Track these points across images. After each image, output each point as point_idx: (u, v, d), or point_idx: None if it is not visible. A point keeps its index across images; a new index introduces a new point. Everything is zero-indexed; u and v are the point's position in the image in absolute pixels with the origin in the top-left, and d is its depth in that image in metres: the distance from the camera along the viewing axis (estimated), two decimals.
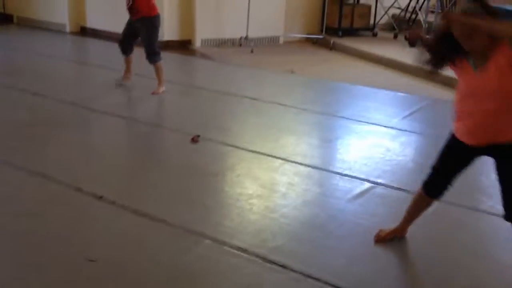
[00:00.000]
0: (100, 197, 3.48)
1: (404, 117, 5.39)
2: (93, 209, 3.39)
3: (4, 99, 5.62)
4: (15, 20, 9.60)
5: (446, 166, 2.84)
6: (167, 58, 7.75)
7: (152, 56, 5.65)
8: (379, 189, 3.82)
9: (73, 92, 5.85)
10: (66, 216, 3.29)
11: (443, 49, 2.52)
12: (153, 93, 5.71)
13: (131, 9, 5.52)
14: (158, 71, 5.72)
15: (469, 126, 2.61)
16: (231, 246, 3.02)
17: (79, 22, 9.08)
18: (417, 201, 3.03)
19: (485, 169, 4.32)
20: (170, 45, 8.20)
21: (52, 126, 4.85)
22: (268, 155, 4.30)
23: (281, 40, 8.83)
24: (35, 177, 3.76)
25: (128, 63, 5.94)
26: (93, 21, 8.93)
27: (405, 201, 3.65)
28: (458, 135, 2.70)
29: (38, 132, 4.67)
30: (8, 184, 3.69)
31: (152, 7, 5.57)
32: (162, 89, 5.75)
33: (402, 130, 5.03)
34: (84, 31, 9.03)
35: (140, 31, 5.63)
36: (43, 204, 3.43)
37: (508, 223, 2.70)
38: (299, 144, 4.65)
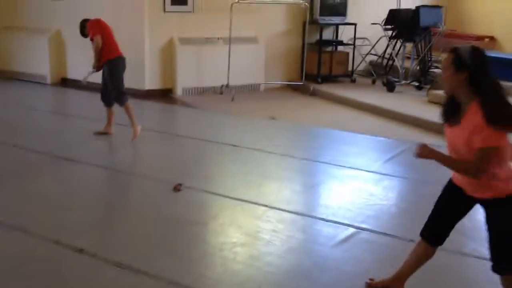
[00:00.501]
0: (81, 250, 3.40)
1: (386, 161, 5.43)
2: (74, 263, 3.31)
3: None
4: None
5: (444, 211, 2.82)
6: (148, 107, 7.81)
7: (120, 97, 5.72)
8: (364, 234, 3.80)
9: (52, 143, 5.81)
10: (45, 271, 3.20)
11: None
12: (134, 139, 5.71)
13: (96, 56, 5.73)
14: (128, 112, 5.77)
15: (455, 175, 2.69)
16: None
17: (60, 73, 9.11)
18: (417, 251, 2.93)
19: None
20: (151, 94, 8.25)
21: (30, 177, 4.78)
22: (251, 202, 4.28)
23: (262, 88, 8.93)
24: (13, 231, 3.67)
25: (109, 114, 5.95)
26: (74, 72, 8.96)
27: (390, 246, 3.66)
28: (454, 180, 2.72)
29: (16, 184, 4.59)
30: None
31: (113, 50, 5.71)
32: (139, 127, 5.77)
33: (384, 174, 5.06)
34: (65, 82, 9.05)
35: (105, 75, 5.76)
36: (21, 259, 3.33)
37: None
38: (282, 190, 4.64)
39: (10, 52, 9.30)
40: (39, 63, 9.02)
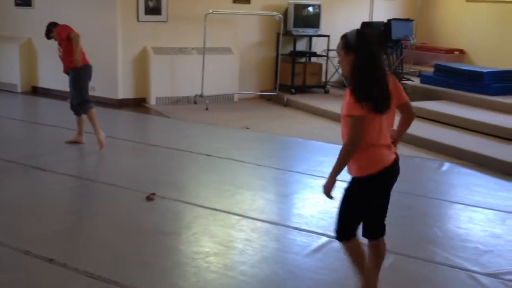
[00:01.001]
0: (51, 260, 3.33)
1: None
2: (43, 273, 3.24)
3: None
4: None
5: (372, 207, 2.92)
6: (121, 116, 7.74)
7: (84, 105, 5.69)
8: (337, 243, 3.78)
9: (21, 151, 5.71)
10: (14, 282, 3.13)
11: None
12: (101, 147, 5.66)
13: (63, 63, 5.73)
14: (92, 120, 5.70)
15: None
16: None
17: (31, 82, 8.97)
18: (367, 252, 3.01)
19: (437, 221, 4.41)
20: (124, 104, 8.18)
21: (0, 188, 4.68)
22: (225, 212, 4.26)
23: (236, 98, 8.94)
24: None
25: (80, 123, 5.87)
26: (45, 81, 8.85)
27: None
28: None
29: None
30: None
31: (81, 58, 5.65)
32: (103, 135, 5.71)
33: None
34: (35, 91, 8.92)
35: (70, 82, 5.72)
36: None
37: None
38: (256, 200, 4.63)
39: None
40: (9, 71, 8.87)
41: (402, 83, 8.66)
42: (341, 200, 2.87)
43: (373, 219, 2.93)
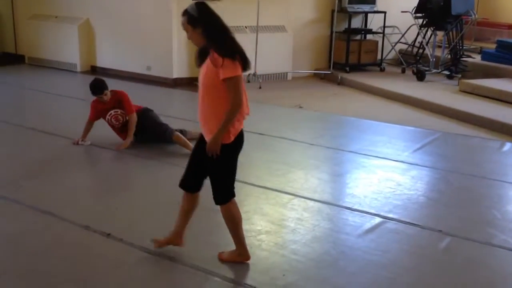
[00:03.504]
0: (108, 235, 3.45)
1: (414, 151, 5.35)
2: (101, 247, 3.36)
3: (13, 137, 5.67)
4: (26, 60, 9.76)
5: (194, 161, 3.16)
6: (176, 95, 7.84)
7: (164, 134, 5.22)
8: (391, 224, 3.76)
9: (80, 129, 5.85)
10: (75, 255, 3.26)
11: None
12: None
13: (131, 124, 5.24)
14: (179, 140, 5.17)
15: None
16: (241, 284, 2.96)
17: (90, 62, 9.21)
18: (183, 204, 3.23)
19: (496, 203, 4.27)
20: (178, 83, 8.28)
21: (61, 165, 4.85)
22: (276, 190, 4.27)
23: (289, 76, 8.88)
24: (44, 216, 3.74)
25: (184, 145, 5.17)
26: (103, 61, 9.06)
27: (418, 237, 3.61)
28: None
29: (47, 170, 4.67)
30: (17, 223, 3.67)
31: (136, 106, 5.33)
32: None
33: (412, 164, 4.99)
34: (94, 70, 9.15)
35: (146, 126, 5.29)
36: (52, 243, 3.40)
37: None
38: (308, 179, 4.61)
39: (40, 40, 9.43)
40: (69, 51, 9.14)
41: (462, 60, 8.42)
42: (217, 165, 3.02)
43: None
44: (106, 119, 5.27)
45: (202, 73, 3.01)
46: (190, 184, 3.16)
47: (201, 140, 3.10)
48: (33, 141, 5.51)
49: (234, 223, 3.13)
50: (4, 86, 8.15)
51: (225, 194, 3.08)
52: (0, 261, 3.18)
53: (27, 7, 9.67)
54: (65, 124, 6.06)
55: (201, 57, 3.07)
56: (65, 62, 9.22)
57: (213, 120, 2.96)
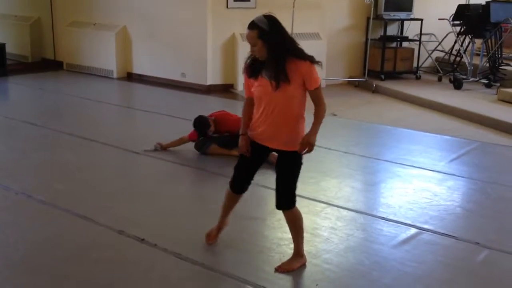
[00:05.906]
0: (142, 240, 3.48)
1: (451, 161, 5.25)
2: (135, 252, 3.39)
3: (52, 142, 5.78)
4: (64, 66, 9.98)
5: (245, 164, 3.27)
6: (210, 101, 7.89)
7: (202, 148, 5.33)
8: (426, 235, 3.68)
9: (119, 136, 5.93)
10: (109, 259, 3.30)
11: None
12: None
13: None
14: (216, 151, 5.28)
15: None
16: None
17: (126, 68, 9.37)
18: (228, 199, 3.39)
19: None
20: (212, 89, 8.34)
21: (98, 170, 4.93)
22: (309, 199, 4.24)
23: (323, 84, 8.84)
24: (79, 220, 3.80)
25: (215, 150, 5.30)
26: (139, 67, 9.20)
27: (454, 248, 3.53)
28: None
29: (84, 176, 4.75)
30: (54, 226, 3.74)
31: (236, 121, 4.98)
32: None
33: (449, 174, 4.89)
34: (130, 77, 9.30)
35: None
36: (86, 247, 3.45)
37: None
38: (342, 188, 4.57)
39: (78, 47, 9.64)
40: (106, 58, 9.31)
41: (501, 69, 8.23)
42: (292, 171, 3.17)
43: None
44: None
45: (263, 84, 2.99)
46: (239, 187, 3.32)
47: (259, 150, 3.18)
48: (71, 146, 5.61)
49: (299, 224, 3.23)
50: (43, 92, 8.36)
51: (293, 199, 3.18)
52: (36, 263, 3.24)
53: (66, 14, 9.90)
54: (102, 130, 6.16)
55: (256, 68, 3.02)
56: (102, 69, 9.39)
57: (291, 127, 3.10)
